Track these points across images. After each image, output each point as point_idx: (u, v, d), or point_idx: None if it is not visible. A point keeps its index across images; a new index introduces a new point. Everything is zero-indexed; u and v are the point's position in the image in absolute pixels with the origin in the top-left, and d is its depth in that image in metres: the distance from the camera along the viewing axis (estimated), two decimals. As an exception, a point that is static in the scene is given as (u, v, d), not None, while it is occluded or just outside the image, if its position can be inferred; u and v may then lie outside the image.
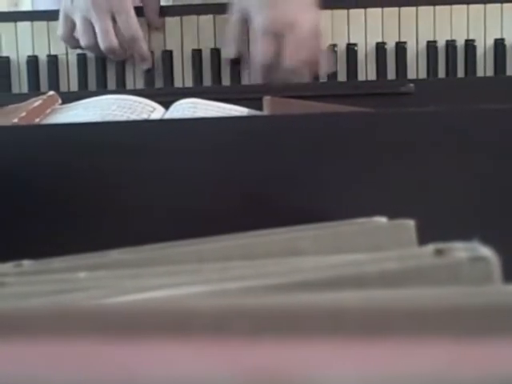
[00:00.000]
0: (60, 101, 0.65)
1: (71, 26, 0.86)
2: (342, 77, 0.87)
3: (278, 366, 0.18)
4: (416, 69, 0.87)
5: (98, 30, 0.84)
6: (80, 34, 0.85)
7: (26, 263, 0.30)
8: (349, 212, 0.34)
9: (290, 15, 0.81)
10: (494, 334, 0.20)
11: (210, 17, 0.89)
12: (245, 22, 0.85)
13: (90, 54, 0.88)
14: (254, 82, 0.83)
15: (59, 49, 0.89)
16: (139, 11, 0.88)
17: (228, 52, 0.86)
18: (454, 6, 0.88)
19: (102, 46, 0.84)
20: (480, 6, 0.88)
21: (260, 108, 0.61)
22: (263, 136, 0.49)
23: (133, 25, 0.85)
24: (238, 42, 0.86)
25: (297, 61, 0.81)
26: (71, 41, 0.87)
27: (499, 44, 0.88)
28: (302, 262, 0.29)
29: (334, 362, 0.18)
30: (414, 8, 0.88)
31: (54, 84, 0.88)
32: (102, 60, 0.88)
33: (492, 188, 0.49)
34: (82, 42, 0.86)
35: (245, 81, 0.87)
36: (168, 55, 0.88)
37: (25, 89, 0.88)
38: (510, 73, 0.88)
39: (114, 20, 0.85)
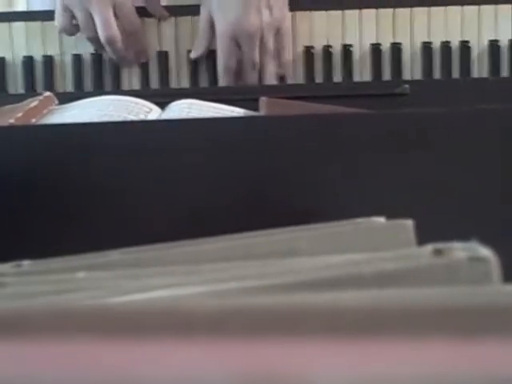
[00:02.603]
0: (56, 101, 0.65)
1: (70, 17, 0.86)
2: (337, 78, 0.87)
3: (276, 366, 0.18)
4: (411, 70, 0.88)
5: (98, 21, 0.84)
6: (81, 25, 0.85)
7: (25, 263, 0.30)
8: (346, 212, 0.34)
9: (248, 21, 0.82)
10: (493, 334, 0.20)
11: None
12: (211, 23, 0.85)
13: (85, 55, 0.88)
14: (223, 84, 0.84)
15: (54, 49, 0.89)
16: (141, 11, 0.88)
17: (194, 52, 0.87)
18: (449, 8, 0.88)
19: (102, 37, 0.84)
20: (475, 8, 0.88)
21: (256, 109, 0.61)
22: (259, 137, 0.49)
23: (134, 18, 0.85)
24: (205, 42, 0.86)
25: (256, 65, 0.82)
26: (71, 29, 0.87)
27: (494, 45, 0.88)
28: (299, 263, 0.29)
29: (332, 362, 0.18)
30: (409, 9, 0.88)
31: (49, 84, 0.88)
32: (97, 60, 0.88)
33: (489, 188, 0.49)
34: (85, 35, 0.86)
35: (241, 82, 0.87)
36: (163, 56, 0.88)
37: (20, 89, 0.88)
38: (504, 74, 0.88)
39: (114, 14, 0.85)
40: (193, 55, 0.87)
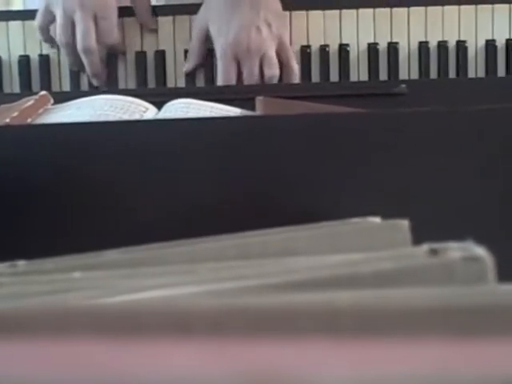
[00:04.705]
0: (52, 101, 0.65)
1: (50, 18, 0.86)
2: (334, 77, 0.87)
3: (273, 366, 0.18)
4: (408, 69, 0.88)
5: (79, 29, 0.83)
6: (59, 29, 0.85)
7: (21, 263, 0.30)
8: (342, 212, 0.34)
9: (248, 39, 0.82)
10: (488, 333, 0.20)
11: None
12: (206, 39, 0.85)
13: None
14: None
15: (51, 48, 0.89)
16: (130, 11, 0.88)
17: (186, 66, 0.87)
18: (446, 7, 0.88)
19: (80, 45, 0.84)
20: (471, 7, 0.88)
21: (253, 108, 0.61)
22: (256, 136, 0.49)
23: (114, 33, 0.85)
24: (197, 58, 0.86)
25: (256, 81, 0.82)
26: (45, 33, 0.87)
27: (490, 45, 0.88)
28: (296, 262, 0.29)
29: (329, 362, 0.18)
30: (405, 9, 0.88)
31: (45, 84, 0.88)
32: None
33: (486, 187, 0.49)
34: (59, 38, 0.85)
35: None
36: (161, 55, 0.88)
37: (16, 89, 0.88)
38: (501, 73, 0.88)
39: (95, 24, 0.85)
40: (185, 69, 0.87)
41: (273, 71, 0.83)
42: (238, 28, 0.82)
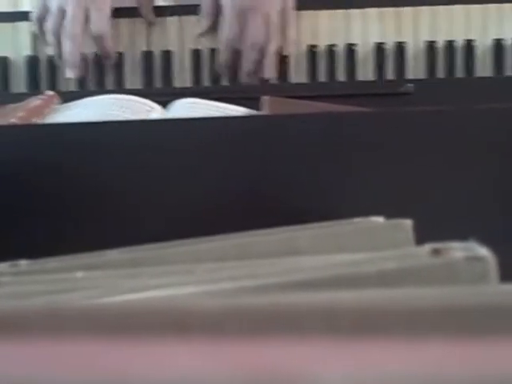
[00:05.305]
0: (59, 100, 0.65)
1: (46, 11, 0.87)
2: (341, 77, 0.87)
3: (274, 366, 0.18)
4: (415, 69, 0.87)
5: (68, 16, 0.85)
6: (50, 18, 0.86)
7: (22, 263, 0.30)
8: (346, 211, 0.34)
9: None
10: (491, 333, 0.20)
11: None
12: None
13: (88, 55, 0.88)
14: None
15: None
16: (135, 12, 0.88)
17: (200, 27, 0.87)
18: (453, 6, 0.88)
19: (67, 29, 0.85)
20: (479, 7, 0.88)
21: (259, 108, 0.61)
22: (261, 136, 0.49)
23: (104, 24, 0.86)
24: (209, 16, 0.87)
25: (257, 44, 0.83)
26: (40, 26, 0.88)
27: (498, 44, 0.88)
28: (298, 262, 0.29)
29: (331, 362, 0.18)
30: (412, 8, 0.88)
31: (52, 84, 0.88)
32: (99, 60, 0.88)
33: (490, 187, 0.49)
34: (49, 25, 0.86)
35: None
36: (167, 55, 0.88)
37: (24, 89, 0.88)
38: (509, 73, 0.88)
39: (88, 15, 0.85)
40: (200, 32, 0.87)
41: (270, 34, 0.84)
42: None
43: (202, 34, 0.88)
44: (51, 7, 0.87)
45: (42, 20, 0.88)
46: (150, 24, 0.89)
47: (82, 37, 0.86)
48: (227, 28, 0.84)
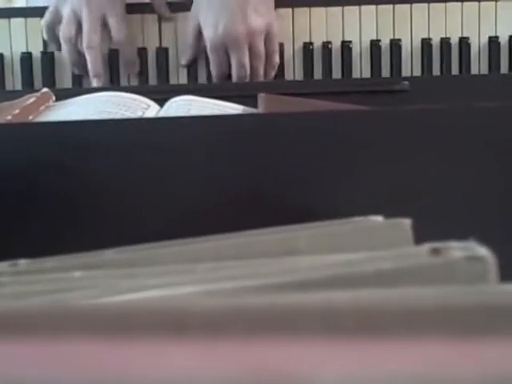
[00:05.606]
0: (54, 98, 0.65)
1: (58, 18, 0.86)
2: (336, 74, 0.87)
3: (273, 366, 0.18)
4: (410, 66, 0.88)
5: (85, 26, 0.84)
6: (64, 26, 0.85)
7: (22, 262, 0.30)
8: (345, 211, 0.34)
9: (236, 29, 0.82)
10: (490, 333, 0.20)
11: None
12: (200, 34, 0.86)
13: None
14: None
15: (53, 46, 0.89)
16: (131, 8, 0.88)
17: (182, 59, 0.87)
18: (449, 4, 0.88)
19: (85, 41, 0.84)
20: (474, 4, 0.88)
21: (255, 105, 0.61)
22: (258, 133, 0.49)
23: (123, 29, 0.85)
24: (193, 51, 0.87)
25: (247, 71, 0.83)
26: (51, 32, 0.87)
27: (493, 41, 0.88)
28: (297, 262, 0.29)
29: (329, 362, 0.18)
30: (408, 5, 0.88)
31: (47, 81, 0.88)
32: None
33: (488, 186, 0.49)
34: (62, 34, 0.85)
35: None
36: (163, 52, 0.88)
37: (18, 86, 0.88)
38: (504, 70, 0.88)
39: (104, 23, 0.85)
40: (182, 63, 0.87)
41: (257, 62, 0.84)
42: (227, 20, 0.82)
43: (184, 64, 0.88)
44: (64, 13, 0.86)
45: (53, 26, 0.87)
46: (165, 19, 0.88)
47: (100, 45, 0.85)
48: (215, 67, 0.84)
